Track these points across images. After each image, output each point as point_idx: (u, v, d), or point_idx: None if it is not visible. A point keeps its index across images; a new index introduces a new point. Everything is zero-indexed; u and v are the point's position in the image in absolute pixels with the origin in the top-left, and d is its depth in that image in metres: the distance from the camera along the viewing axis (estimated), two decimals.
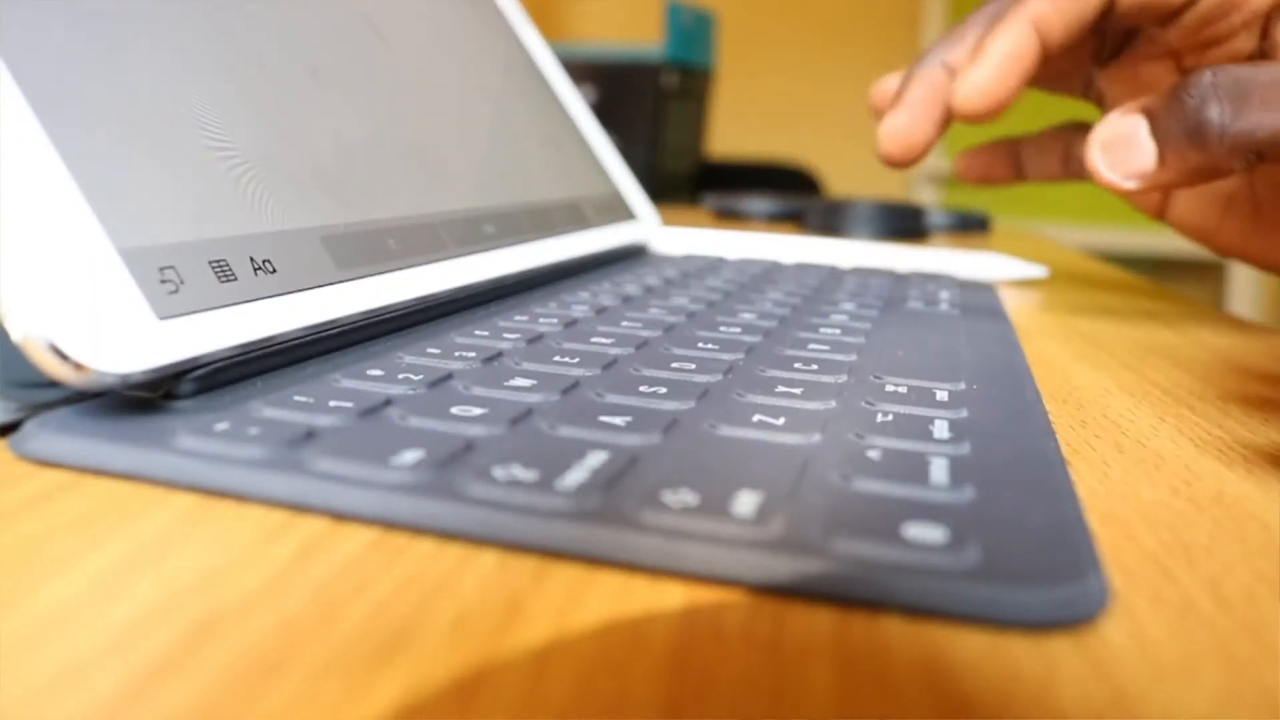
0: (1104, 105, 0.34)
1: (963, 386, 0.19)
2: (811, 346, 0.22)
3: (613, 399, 0.17)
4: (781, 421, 0.16)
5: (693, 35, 0.85)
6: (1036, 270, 0.41)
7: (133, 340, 0.14)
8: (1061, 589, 0.11)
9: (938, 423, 0.16)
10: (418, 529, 0.12)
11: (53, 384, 0.15)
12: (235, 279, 0.17)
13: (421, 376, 0.18)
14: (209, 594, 0.11)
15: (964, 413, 0.17)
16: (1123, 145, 0.26)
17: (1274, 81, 0.24)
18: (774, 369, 0.20)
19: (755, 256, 0.41)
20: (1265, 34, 0.29)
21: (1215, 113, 0.24)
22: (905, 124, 0.31)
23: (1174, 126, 0.25)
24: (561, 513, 0.12)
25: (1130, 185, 0.26)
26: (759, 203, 0.69)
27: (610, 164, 0.40)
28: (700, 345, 0.22)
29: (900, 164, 0.32)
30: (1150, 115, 0.26)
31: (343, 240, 0.20)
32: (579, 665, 0.10)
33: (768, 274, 0.36)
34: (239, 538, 0.12)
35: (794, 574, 0.11)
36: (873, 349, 0.22)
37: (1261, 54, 0.29)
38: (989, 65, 0.29)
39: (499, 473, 0.13)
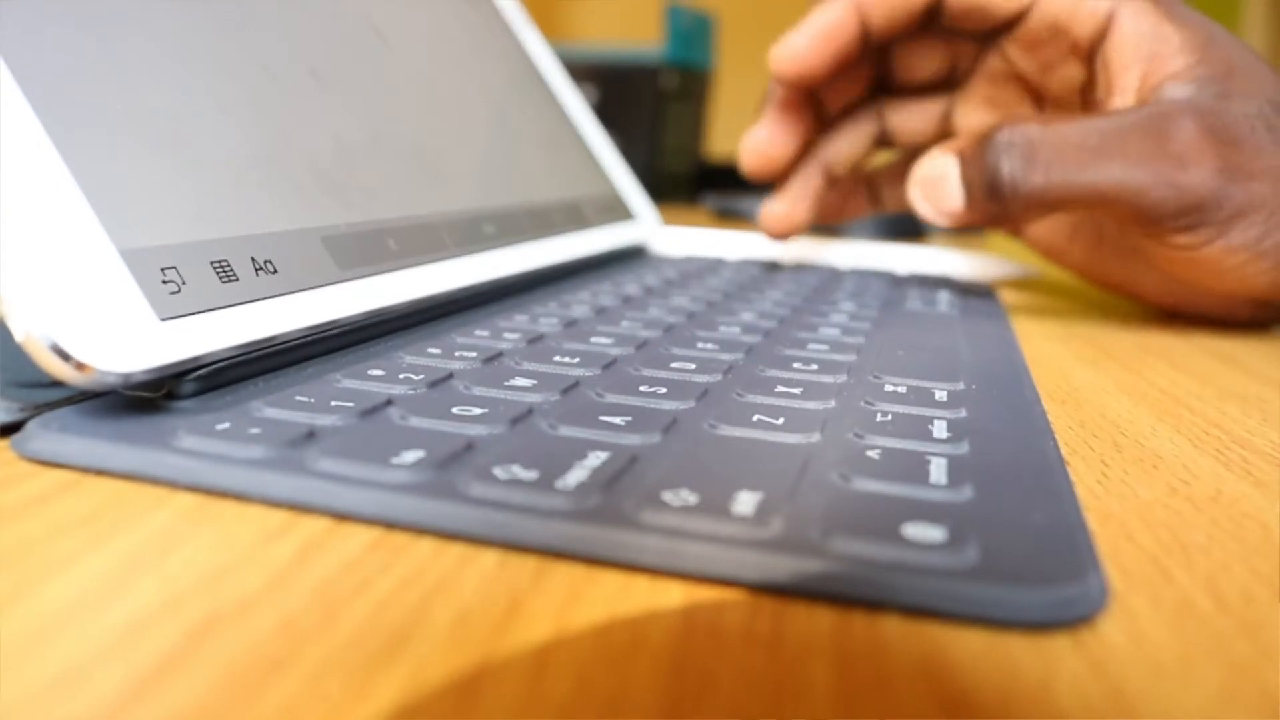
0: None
1: (961, 386, 0.19)
2: (811, 347, 0.22)
3: (613, 399, 0.17)
4: (781, 421, 0.16)
5: (692, 36, 0.85)
6: (1032, 269, 0.41)
7: (134, 340, 0.14)
8: (1060, 588, 0.11)
9: (937, 423, 0.16)
10: (418, 529, 0.12)
11: (55, 384, 0.15)
12: (236, 279, 0.17)
13: (422, 376, 0.18)
14: (210, 593, 0.11)
15: (963, 413, 0.17)
16: (936, 185, 0.27)
17: (1063, 142, 0.25)
18: (773, 369, 0.20)
19: (755, 257, 0.41)
20: (1090, 62, 0.29)
21: (1007, 171, 0.25)
22: (764, 139, 0.34)
23: (976, 177, 0.26)
24: (562, 512, 0.12)
25: (943, 222, 0.28)
26: (758, 203, 0.69)
27: (610, 164, 0.40)
28: (700, 345, 0.22)
29: (759, 179, 0.35)
30: (961, 160, 0.27)
31: (343, 240, 0.21)
32: (579, 665, 0.10)
33: (767, 274, 0.36)
34: (240, 537, 0.12)
35: (793, 573, 0.11)
36: (872, 349, 0.22)
37: (1088, 83, 0.30)
38: (803, 34, 0.31)
39: (499, 472, 0.13)
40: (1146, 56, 0.27)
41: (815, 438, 0.15)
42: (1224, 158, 0.25)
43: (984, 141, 0.26)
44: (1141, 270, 0.31)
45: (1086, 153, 0.25)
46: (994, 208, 0.26)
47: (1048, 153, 0.25)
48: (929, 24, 0.32)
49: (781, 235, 0.36)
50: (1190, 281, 0.28)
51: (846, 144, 0.36)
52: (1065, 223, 0.33)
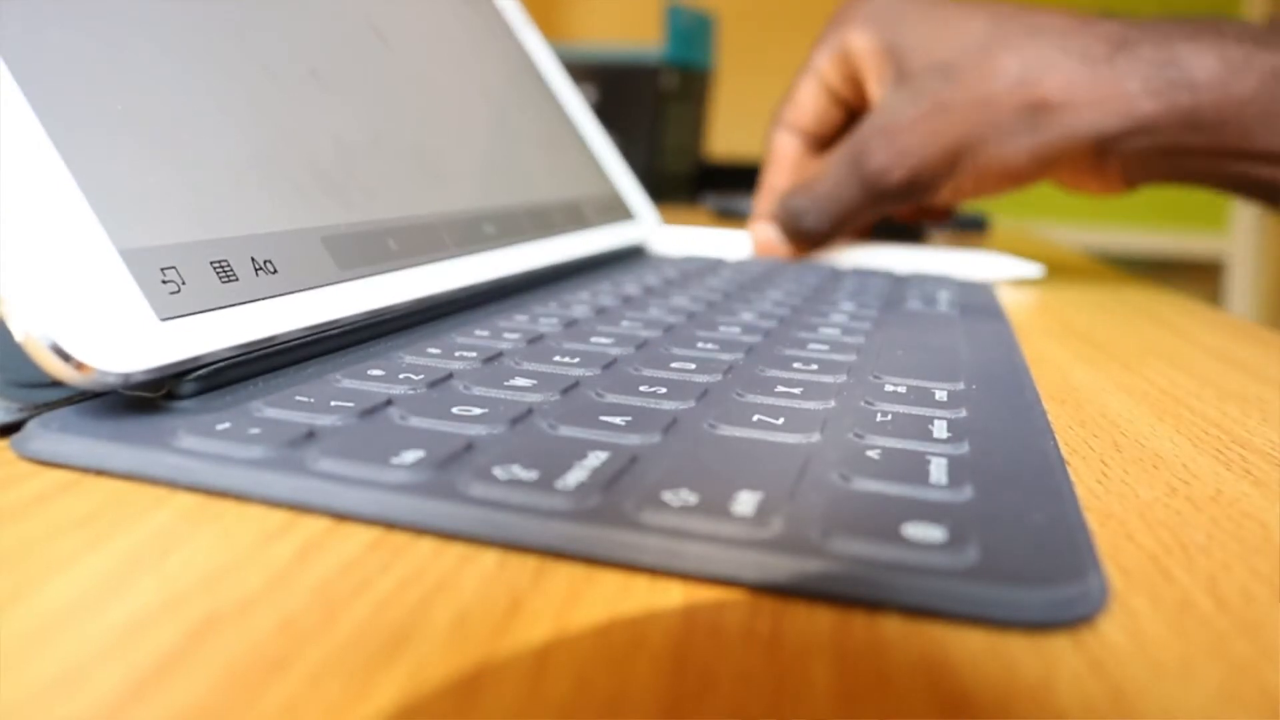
0: None
1: (962, 386, 0.19)
2: (811, 346, 0.22)
3: (613, 399, 0.17)
4: (781, 421, 0.16)
5: (692, 36, 0.85)
6: (1032, 269, 0.41)
7: (134, 340, 0.14)
8: (1060, 588, 0.11)
9: (937, 422, 0.16)
10: (418, 529, 0.12)
11: (54, 384, 0.15)
12: (236, 279, 0.17)
13: (422, 376, 0.18)
14: (210, 593, 0.11)
15: (963, 412, 0.17)
16: (769, 244, 0.41)
17: (820, 193, 0.39)
18: (773, 369, 0.20)
19: (755, 257, 0.41)
20: None
21: (810, 224, 0.40)
22: (768, 232, 0.42)
23: (789, 231, 0.40)
24: (561, 512, 0.12)
25: (782, 257, 0.41)
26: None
27: (610, 164, 0.40)
28: (700, 345, 0.22)
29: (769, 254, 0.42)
30: (778, 224, 0.41)
31: (344, 240, 0.21)
32: (579, 664, 0.10)
33: (767, 274, 0.36)
34: (240, 537, 0.12)
35: (793, 573, 0.11)
36: (872, 349, 0.22)
37: None
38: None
39: (499, 472, 0.13)
40: (873, 81, 0.39)
41: (815, 438, 0.15)
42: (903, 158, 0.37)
43: (782, 208, 0.40)
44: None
45: (835, 190, 0.38)
46: (807, 244, 0.40)
47: (819, 203, 0.39)
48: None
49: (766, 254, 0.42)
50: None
51: None
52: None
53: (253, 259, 0.18)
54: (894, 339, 0.24)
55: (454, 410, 0.16)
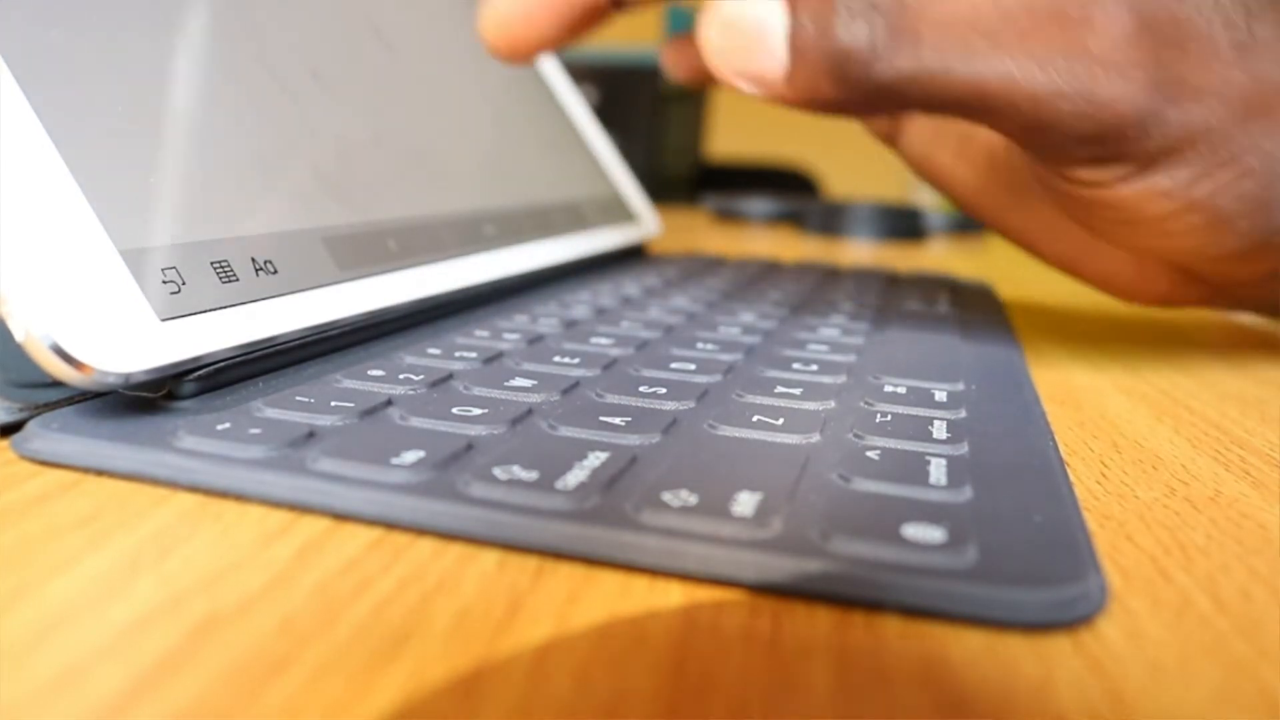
0: None
1: (961, 387, 0.19)
2: (810, 347, 0.22)
3: (612, 399, 0.17)
4: (781, 422, 0.16)
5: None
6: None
7: (135, 340, 0.14)
8: (1060, 589, 0.11)
9: (936, 423, 0.16)
10: (418, 529, 0.12)
11: (55, 384, 0.15)
12: (237, 279, 0.17)
13: (422, 377, 0.18)
14: (210, 594, 0.11)
15: (962, 413, 0.17)
16: (748, 35, 0.18)
17: (947, 14, 0.18)
18: (773, 369, 0.20)
19: (755, 257, 0.41)
20: None
21: (865, 41, 0.17)
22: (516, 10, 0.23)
23: (814, 39, 0.18)
24: (561, 513, 0.12)
25: (747, 89, 0.19)
26: (758, 204, 0.69)
27: (610, 165, 0.40)
28: (699, 346, 0.22)
29: (506, 57, 0.23)
30: (793, 12, 0.18)
31: (344, 241, 0.21)
32: (579, 665, 0.10)
33: (767, 274, 0.36)
34: (240, 538, 0.12)
35: (793, 574, 0.11)
36: (871, 349, 0.22)
37: None
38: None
39: (499, 473, 0.13)
40: None
41: (815, 438, 0.15)
42: (1163, 65, 0.18)
43: None
44: (1037, 211, 0.24)
45: (976, 33, 0.17)
46: (832, 90, 0.18)
47: (925, 26, 0.17)
48: None
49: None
50: (1097, 232, 0.22)
51: None
52: (951, 133, 0.25)
53: (253, 259, 0.18)
54: (893, 339, 0.24)
55: (454, 410, 0.16)
